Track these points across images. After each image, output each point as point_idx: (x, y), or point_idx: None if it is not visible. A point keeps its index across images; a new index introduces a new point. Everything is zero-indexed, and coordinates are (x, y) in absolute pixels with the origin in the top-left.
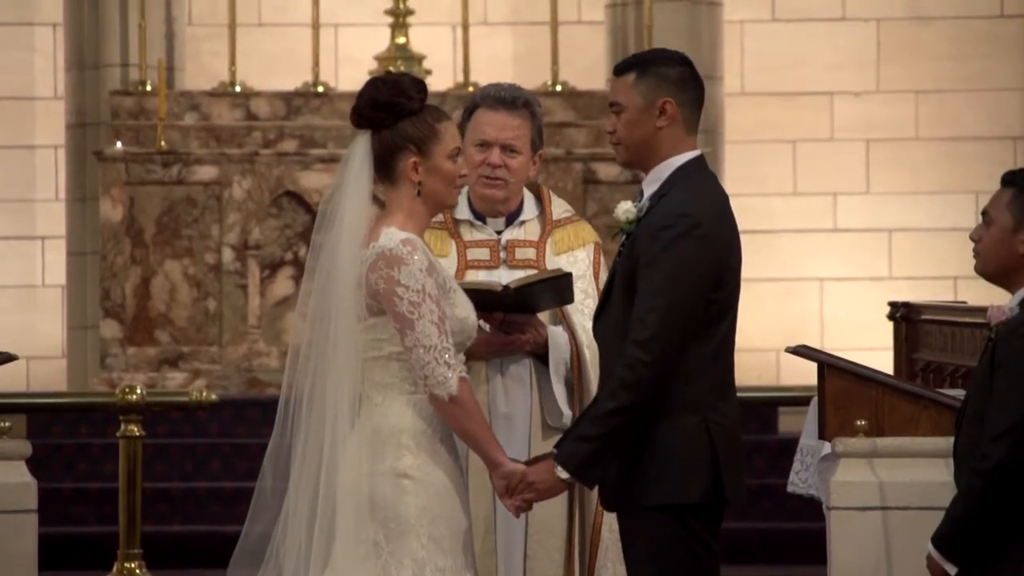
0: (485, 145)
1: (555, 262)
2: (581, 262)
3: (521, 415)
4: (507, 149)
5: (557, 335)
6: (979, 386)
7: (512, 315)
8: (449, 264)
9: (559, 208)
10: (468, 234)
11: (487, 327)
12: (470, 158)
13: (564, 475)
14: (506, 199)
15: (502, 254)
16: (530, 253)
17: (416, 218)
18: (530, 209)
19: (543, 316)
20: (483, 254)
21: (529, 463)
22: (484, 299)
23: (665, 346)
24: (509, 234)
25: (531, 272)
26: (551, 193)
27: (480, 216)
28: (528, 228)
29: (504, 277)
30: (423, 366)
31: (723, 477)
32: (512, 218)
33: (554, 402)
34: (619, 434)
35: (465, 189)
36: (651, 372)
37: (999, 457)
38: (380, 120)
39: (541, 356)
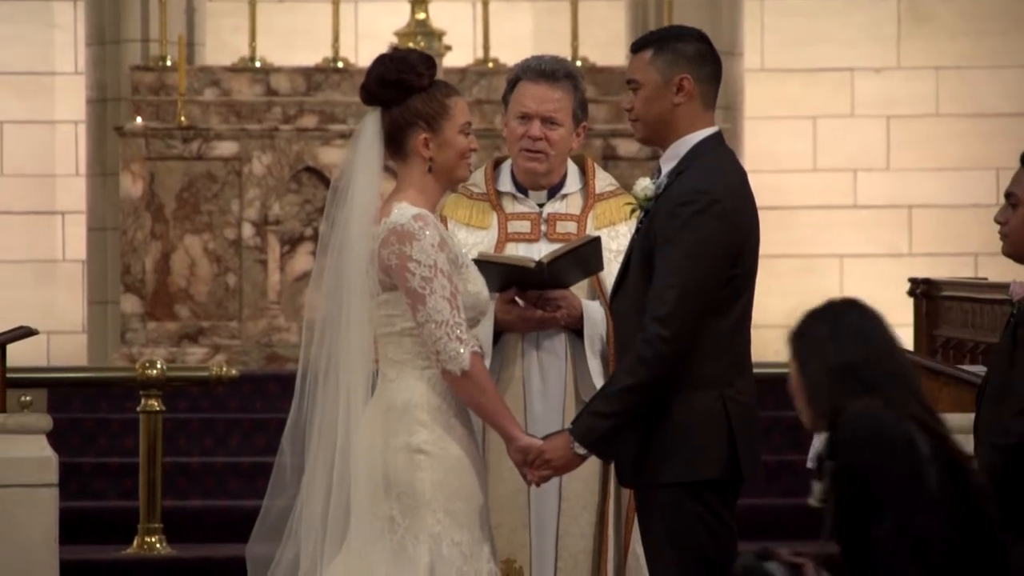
0: (526, 118)
1: (596, 235)
2: (623, 236)
3: (556, 389)
4: (548, 121)
5: (593, 309)
6: (1001, 361)
7: (546, 291)
8: (489, 236)
9: (603, 181)
10: (510, 206)
11: (521, 302)
12: (512, 131)
13: (581, 451)
14: (547, 172)
15: (543, 227)
16: (571, 227)
17: (427, 193)
18: (573, 182)
19: (580, 290)
20: (524, 227)
21: (545, 438)
22: (519, 275)
23: (683, 322)
24: (551, 207)
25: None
26: (596, 166)
27: (522, 189)
28: (570, 201)
29: (544, 250)
30: (435, 341)
31: (740, 453)
32: (554, 191)
33: (589, 376)
34: (636, 410)
35: (508, 162)
36: (669, 348)
37: (1021, 432)
38: (390, 97)
39: (576, 330)
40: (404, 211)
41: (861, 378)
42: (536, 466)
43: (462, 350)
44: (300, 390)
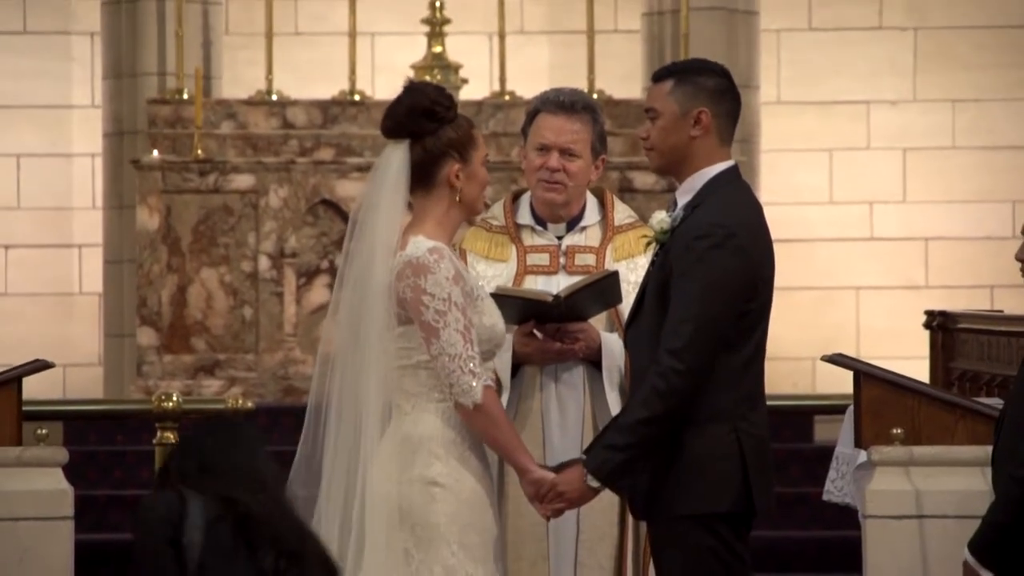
0: (545, 149)
1: (614, 269)
2: (641, 268)
3: (574, 421)
4: (566, 153)
5: (612, 341)
6: (1019, 392)
7: (565, 324)
8: (508, 269)
9: (622, 214)
10: (529, 239)
11: (540, 336)
12: (531, 162)
13: (595, 484)
14: (566, 203)
15: (562, 260)
16: (590, 259)
17: (446, 226)
18: (592, 214)
19: (599, 322)
20: (543, 259)
21: (557, 469)
22: (537, 309)
23: (698, 356)
24: (569, 239)
25: (583, 277)
26: (615, 198)
27: (541, 221)
28: (589, 234)
29: (563, 283)
30: (448, 374)
31: (753, 486)
32: (573, 223)
33: (607, 408)
34: (650, 443)
35: (527, 194)
36: (684, 381)
37: None
38: (422, 128)
39: (595, 362)
40: (420, 244)
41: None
42: (549, 499)
43: (474, 383)
44: (311, 423)
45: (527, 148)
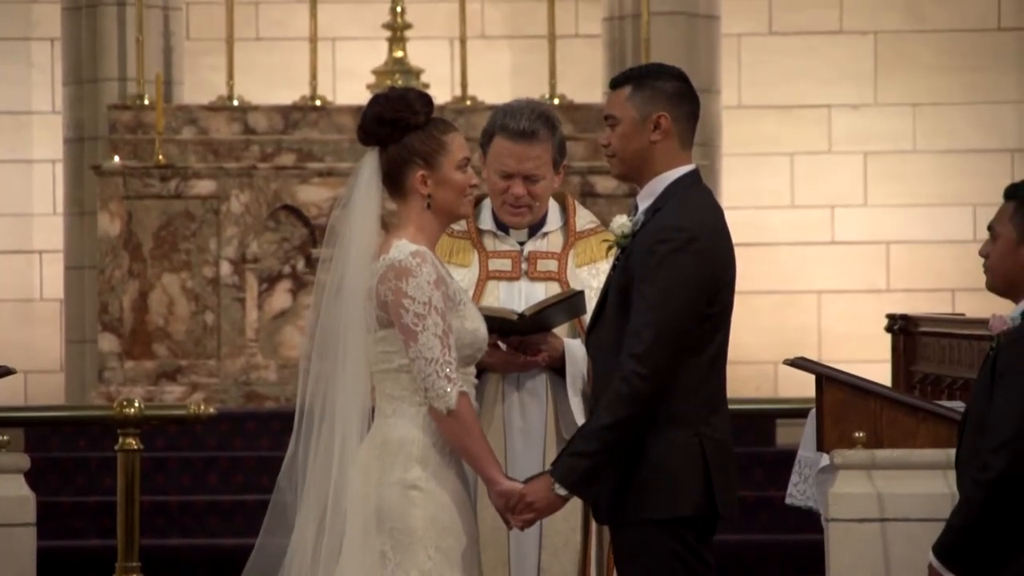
0: (507, 176)
1: (576, 274)
2: (604, 273)
3: (537, 429)
4: (529, 179)
5: (575, 348)
6: (981, 395)
7: (528, 336)
8: (471, 274)
9: (583, 219)
10: (491, 244)
11: (503, 346)
12: (493, 183)
13: (562, 491)
14: (531, 221)
15: (524, 265)
16: (552, 265)
17: (426, 231)
18: (554, 220)
19: (561, 329)
20: (505, 265)
21: (527, 481)
22: (500, 326)
23: (661, 360)
24: (531, 245)
25: (550, 283)
26: (576, 203)
27: (503, 227)
28: (551, 240)
29: (524, 289)
30: (424, 378)
31: (716, 490)
32: (535, 229)
33: (570, 415)
34: (615, 448)
35: (488, 199)
36: (647, 385)
37: (1000, 467)
38: (386, 136)
39: (558, 369)
40: (403, 248)
41: None
42: (518, 511)
43: (449, 389)
44: (297, 427)
45: (488, 168)
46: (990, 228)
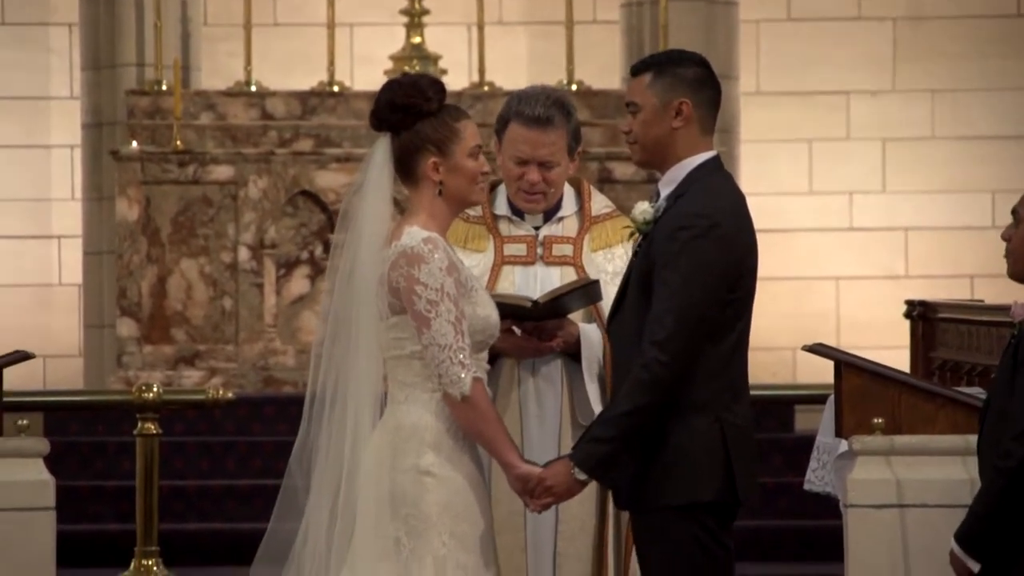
0: (522, 163)
1: (592, 258)
2: (619, 258)
3: (552, 415)
4: (544, 165)
5: (590, 332)
6: (1002, 383)
7: (543, 322)
8: (486, 259)
9: (599, 204)
10: (506, 229)
11: (518, 332)
12: (508, 170)
13: (582, 476)
14: (547, 207)
15: (539, 250)
16: (567, 249)
17: (438, 218)
18: (569, 205)
19: (577, 315)
20: (520, 250)
21: (546, 465)
22: (514, 313)
23: (682, 346)
24: (547, 230)
25: (565, 268)
26: (592, 188)
27: (518, 212)
28: (566, 224)
29: (540, 274)
30: (437, 365)
31: (736, 477)
32: (550, 214)
33: (585, 400)
34: (635, 434)
35: (504, 184)
36: (668, 372)
37: (1021, 455)
38: (399, 122)
39: (573, 354)
40: (415, 235)
41: None
42: (537, 494)
43: (463, 375)
44: (308, 412)
45: (503, 154)
46: (1014, 212)
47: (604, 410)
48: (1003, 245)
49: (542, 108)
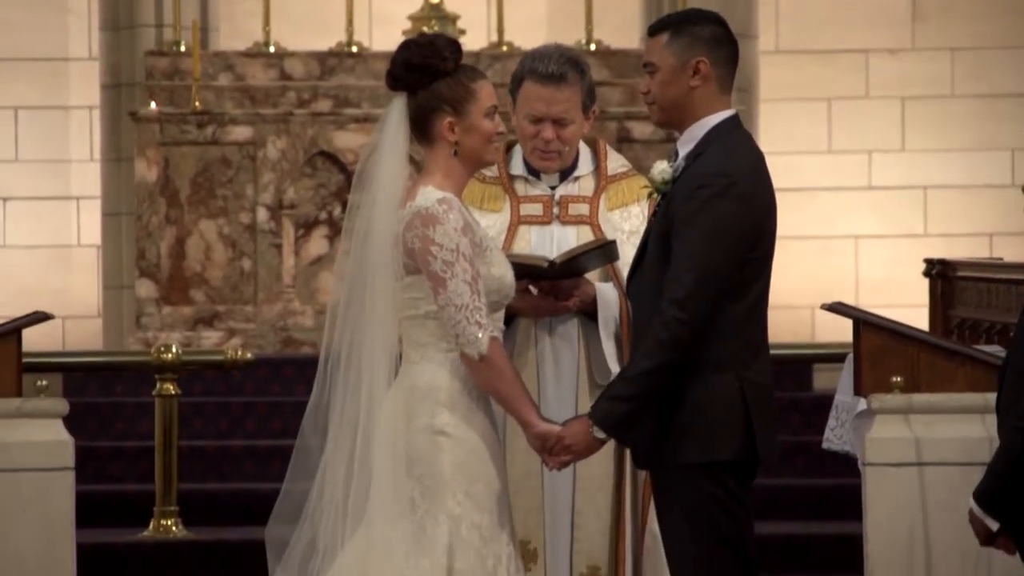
0: (537, 120)
1: (608, 218)
2: (635, 217)
3: (569, 374)
4: (559, 123)
5: (607, 291)
6: (1020, 341)
7: (559, 281)
8: (502, 220)
9: (615, 163)
10: (522, 189)
11: (535, 291)
12: (522, 129)
13: (600, 435)
14: (562, 166)
15: (555, 210)
16: (583, 209)
17: (454, 178)
18: (585, 164)
19: (593, 274)
20: (536, 210)
21: (564, 424)
22: (530, 272)
23: (701, 305)
24: (563, 190)
25: (582, 227)
26: (608, 147)
27: (534, 172)
28: (582, 184)
29: (556, 233)
30: (454, 325)
31: (756, 435)
32: (566, 174)
33: (602, 359)
34: (654, 393)
35: (519, 145)
36: (687, 331)
37: None
38: (415, 82)
39: (590, 313)
40: (429, 195)
41: None
42: (555, 452)
43: (480, 334)
44: (322, 373)
45: (518, 114)
46: None
47: (623, 369)
48: (1023, 202)
49: (555, 65)
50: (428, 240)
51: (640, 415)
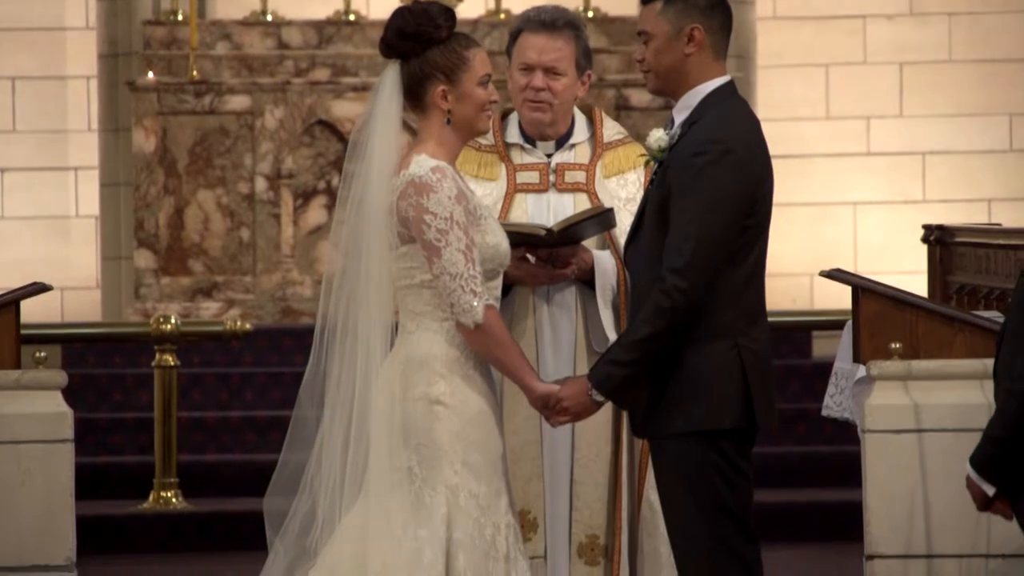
0: (528, 69)
1: (604, 185)
2: (632, 184)
3: (567, 341)
4: (550, 72)
5: (604, 260)
6: (1017, 306)
7: (557, 249)
8: (498, 188)
9: (611, 130)
10: (518, 157)
11: (532, 260)
12: (515, 82)
13: (599, 398)
14: (553, 122)
15: (551, 177)
16: (579, 176)
17: (447, 146)
18: (581, 132)
19: (591, 242)
20: (532, 177)
21: (561, 382)
22: (528, 240)
23: (701, 273)
24: (559, 157)
25: (578, 195)
26: (603, 115)
27: (530, 140)
28: (578, 151)
29: (553, 201)
30: (449, 293)
31: (755, 402)
32: (562, 141)
33: (600, 327)
34: (653, 359)
35: (515, 113)
36: (687, 299)
37: None
38: (408, 49)
39: (587, 281)
40: (423, 163)
41: None
42: (555, 412)
43: (476, 303)
44: (318, 343)
45: (511, 68)
46: None
47: (623, 334)
48: (1022, 168)
49: (550, 15)
50: (422, 209)
51: (639, 380)
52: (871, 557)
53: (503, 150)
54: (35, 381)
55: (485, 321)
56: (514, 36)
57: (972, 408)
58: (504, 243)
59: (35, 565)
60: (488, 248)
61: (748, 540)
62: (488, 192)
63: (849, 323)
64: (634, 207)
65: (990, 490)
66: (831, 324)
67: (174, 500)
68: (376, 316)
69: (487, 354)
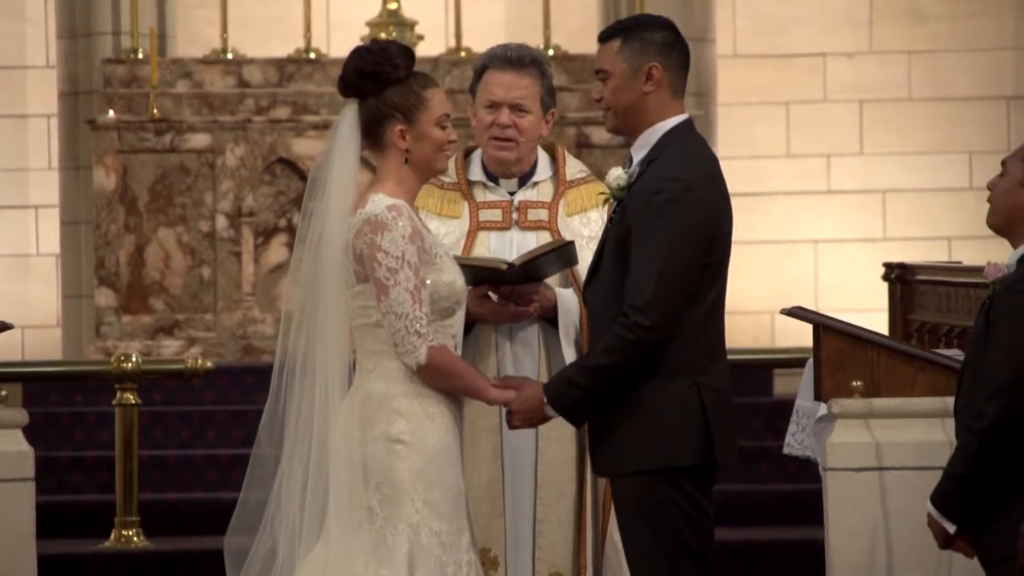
0: (494, 106)
1: (567, 223)
2: (594, 222)
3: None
4: (516, 109)
5: (567, 297)
6: (976, 343)
7: (519, 286)
8: (461, 225)
9: (573, 168)
10: (481, 195)
11: (495, 297)
12: (480, 120)
13: (552, 413)
14: (518, 160)
15: (514, 215)
16: (542, 214)
17: (406, 185)
18: (544, 170)
19: (553, 279)
20: (495, 215)
21: (520, 382)
22: (489, 276)
23: (663, 311)
24: (522, 195)
25: (541, 232)
26: (566, 153)
27: (493, 177)
28: (541, 189)
29: (516, 239)
30: (394, 333)
31: (715, 439)
32: (525, 179)
33: (564, 365)
34: (605, 390)
35: (478, 151)
36: (650, 336)
37: (994, 415)
38: (366, 89)
39: (550, 319)
40: (379, 202)
41: None
42: (509, 415)
43: (419, 343)
44: (277, 381)
45: (476, 106)
46: (1003, 163)
47: (584, 356)
48: (981, 207)
49: (516, 53)
50: (375, 246)
51: (590, 405)
52: None
53: (466, 187)
54: None
55: (428, 362)
56: (479, 73)
57: (933, 446)
58: (459, 280)
59: None
60: (444, 286)
61: None
62: (451, 230)
63: (810, 361)
64: (596, 245)
65: (951, 528)
66: (792, 362)
67: (135, 539)
68: (333, 354)
69: (442, 388)
